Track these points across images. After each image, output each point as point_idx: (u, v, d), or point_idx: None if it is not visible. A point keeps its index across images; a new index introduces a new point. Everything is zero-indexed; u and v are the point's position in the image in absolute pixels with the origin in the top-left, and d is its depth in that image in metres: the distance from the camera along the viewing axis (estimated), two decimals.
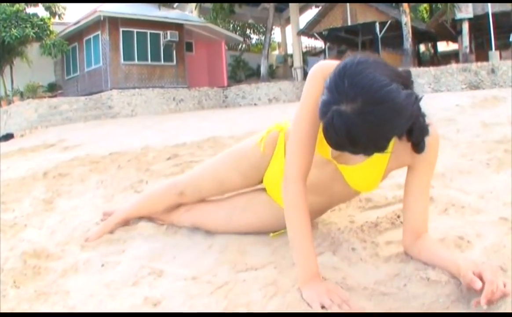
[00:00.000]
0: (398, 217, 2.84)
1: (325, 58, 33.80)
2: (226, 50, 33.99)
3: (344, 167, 2.39)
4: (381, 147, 1.83)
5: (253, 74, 37.21)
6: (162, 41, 27.39)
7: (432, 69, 23.05)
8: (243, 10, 33.78)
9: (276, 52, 46.43)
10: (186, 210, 3.07)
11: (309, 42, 41.66)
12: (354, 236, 2.63)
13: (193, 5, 32.94)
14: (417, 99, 1.85)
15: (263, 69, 30.96)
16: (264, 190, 2.85)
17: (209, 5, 31.01)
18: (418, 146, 2.08)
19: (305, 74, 31.75)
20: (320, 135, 2.06)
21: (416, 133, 2.00)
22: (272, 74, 37.09)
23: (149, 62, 26.91)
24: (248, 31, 46.65)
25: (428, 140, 2.07)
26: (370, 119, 1.72)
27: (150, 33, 26.95)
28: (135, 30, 26.31)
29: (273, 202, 2.75)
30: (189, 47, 30.33)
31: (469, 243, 2.33)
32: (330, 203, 2.72)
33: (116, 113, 23.20)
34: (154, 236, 3.03)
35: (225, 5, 30.27)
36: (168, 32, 27.16)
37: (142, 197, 3.46)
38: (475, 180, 3.46)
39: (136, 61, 26.32)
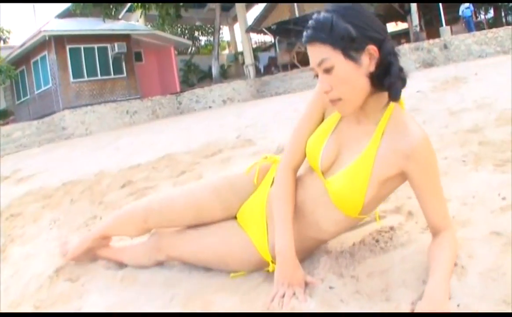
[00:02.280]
0: (377, 241, 2.62)
1: (275, 52, 34.02)
2: (176, 55, 33.92)
3: (329, 180, 2.28)
4: (336, 30, 2.02)
5: (205, 77, 37.32)
6: (110, 54, 27.24)
7: None
8: (189, 13, 33.53)
9: (226, 51, 46.49)
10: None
11: (258, 38, 41.86)
12: (329, 271, 2.41)
13: (139, 13, 32.64)
14: (391, 42, 2.12)
15: (214, 71, 30.87)
16: (236, 219, 2.70)
17: (155, 12, 30.75)
18: (391, 88, 2.12)
19: (257, 70, 31.84)
20: (310, 146, 2.36)
21: (392, 74, 2.09)
22: (224, 74, 37.16)
23: (99, 77, 26.72)
24: (196, 33, 46.69)
25: (415, 141, 2.12)
26: (327, 15, 2.06)
27: (98, 47, 26.76)
28: (82, 46, 26.08)
29: (244, 234, 2.58)
30: (138, 57, 30.25)
31: (463, 269, 2.13)
32: (317, 233, 2.47)
33: (70, 134, 22.79)
34: (111, 288, 2.83)
35: (171, 10, 30.01)
36: (116, 44, 26.98)
37: (124, 249, 3.22)
38: (453, 181, 3.21)
39: (86, 78, 26.10)
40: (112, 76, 27.33)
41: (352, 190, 2.21)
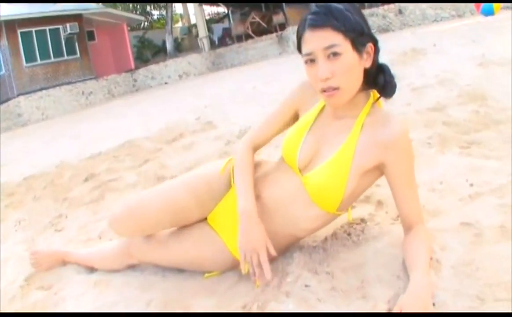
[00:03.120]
0: (349, 235, 2.62)
1: (229, 23, 33.82)
2: (128, 32, 33.52)
3: (307, 176, 2.29)
4: (349, 21, 2.08)
5: (160, 51, 36.97)
6: (62, 35, 26.86)
7: None
8: None
9: (180, 24, 46.10)
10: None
11: (211, 9, 41.50)
12: (304, 268, 2.38)
13: None
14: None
15: (168, 46, 30.64)
16: (206, 220, 2.64)
17: None
18: (387, 86, 2.22)
19: (211, 42, 31.63)
20: (287, 144, 2.41)
21: (387, 73, 2.22)
22: (179, 48, 36.86)
23: (52, 59, 26.34)
24: (148, 8, 46.04)
25: (395, 131, 2.18)
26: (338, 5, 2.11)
27: (49, 29, 26.36)
28: (33, 30, 25.66)
29: (215, 235, 2.55)
30: (91, 36, 29.86)
31: (438, 263, 2.16)
32: (294, 231, 2.46)
33: (26, 121, 22.47)
34: (85, 294, 2.76)
35: None
36: (68, 24, 26.59)
37: (94, 255, 3.15)
38: (419, 166, 3.19)
39: (39, 61, 25.73)
40: (66, 57, 26.94)
41: (332, 184, 2.23)
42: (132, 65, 31.62)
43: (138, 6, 44.27)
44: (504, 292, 1.88)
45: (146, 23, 43.60)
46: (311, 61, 2.14)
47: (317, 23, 2.08)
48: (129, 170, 5.68)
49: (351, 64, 2.10)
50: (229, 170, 2.60)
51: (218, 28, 36.43)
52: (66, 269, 3.13)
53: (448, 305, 1.90)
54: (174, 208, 2.53)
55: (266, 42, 26.92)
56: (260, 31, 29.94)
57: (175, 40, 37.55)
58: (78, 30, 27.00)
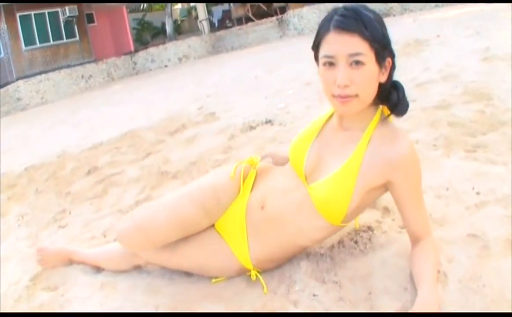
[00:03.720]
0: (356, 243, 2.61)
1: (229, 5, 33.61)
2: (128, 14, 33.35)
3: (313, 186, 2.27)
4: (377, 32, 2.06)
5: (159, 33, 36.85)
6: (61, 18, 26.69)
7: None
8: None
9: (179, 6, 45.78)
10: None
11: None
12: (311, 276, 2.41)
13: None
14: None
15: (168, 28, 30.57)
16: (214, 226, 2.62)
17: None
18: (400, 103, 2.20)
19: (211, 25, 31.48)
20: (294, 150, 2.43)
21: (400, 90, 2.22)
22: (178, 30, 36.76)
23: (52, 42, 26.20)
24: None
25: (402, 151, 2.16)
26: (367, 12, 2.09)
27: (48, 12, 26.18)
28: (32, 13, 25.47)
29: (223, 242, 2.54)
30: (90, 18, 29.68)
31: (445, 277, 2.17)
32: (299, 240, 2.44)
33: (26, 105, 22.31)
34: (92, 297, 2.77)
35: None
36: (67, 7, 26.42)
37: (100, 255, 3.13)
38: (425, 169, 3.23)
39: (38, 45, 25.59)
40: (65, 40, 26.83)
41: (336, 197, 2.21)
42: (132, 48, 31.51)
43: None
44: (510, 309, 1.90)
45: (145, 5, 43.27)
46: (330, 64, 2.09)
47: (346, 27, 2.03)
48: (132, 163, 5.66)
49: (372, 75, 2.08)
50: (238, 176, 2.59)
51: (218, 11, 36.24)
52: (72, 268, 3.13)
53: None
54: (182, 222, 2.51)
55: (267, 25, 26.78)
56: (260, 14, 29.83)
57: (175, 22, 37.42)
58: (77, 13, 26.86)
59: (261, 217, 2.41)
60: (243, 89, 9.15)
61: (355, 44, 2.02)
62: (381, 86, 2.17)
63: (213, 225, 2.61)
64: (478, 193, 2.87)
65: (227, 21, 33.25)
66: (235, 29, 28.37)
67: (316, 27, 2.18)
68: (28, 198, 5.33)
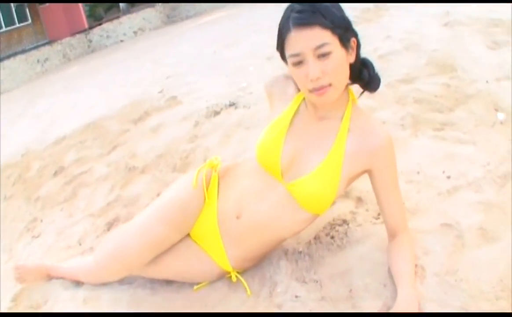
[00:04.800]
0: (333, 238, 2.62)
1: None
2: None
3: (294, 184, 2.25)
4: (336, 17, 2.04)
5: (113, 6, 36.34)
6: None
7: None
8: None
9: None
10: None
11: None
12: (292, 277, 2.43)
13: None
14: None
15: (121, 3, 30.06)
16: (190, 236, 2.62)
17: None
18: (373, 80, 2.25)
19: None
20: (265, 149, 2.31)
21: (370, 67, 2.24)
22: (132, 1, 36.24)
23: (4, 28, 25.75)
24: None
25: (381, 139, 2.21)
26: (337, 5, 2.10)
27: None
28: None
29: (200, 250, 2.55)
30: None
31: (423, 270, 2.21)
32: (280, 236, 2.48)
33: None
34: (74, 310, 2.78)
35: None
36: None
37: (79, 269, 3.09)
38: (395, 153, 3.33)
39: None
40: (17, 25, 26.48)
41: (324, 191, 2.22)
42: (86, 25, 31.12)
43: None
44: (486, 303, 1.95)
45: None
46: (298, 62, 2.07)
47: (305, 22, 2.01)
48: (99, 159, 5.55)
49: (341, 61, 2.07)
50: (201, 184, 2.55)
51: None
52: (52, 284, 3.11)
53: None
54: (153, 244, 2.50)
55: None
56: None
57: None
58: None
59: (238, 227, 2.40)
60: (202, 67, 9.00)
61: (317, 37, 2.01)
62: (351, 66, 2.18)
63: (188, 234, 2.60)
64: (448, 177, 2.90)
65: None
66: None
67: None
68: None
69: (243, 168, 2.59)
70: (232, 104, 5.64)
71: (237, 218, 2.39)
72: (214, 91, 6.70)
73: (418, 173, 3.05)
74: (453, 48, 5.24)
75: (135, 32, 26.60)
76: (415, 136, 3.53)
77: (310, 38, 2.01)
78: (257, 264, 2.60)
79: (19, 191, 5.47)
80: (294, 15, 2.04)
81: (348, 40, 2.10)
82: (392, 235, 2.30)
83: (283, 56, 2.20)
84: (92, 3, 37.01)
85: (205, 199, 2.54)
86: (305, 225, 2.43)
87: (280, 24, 2.13)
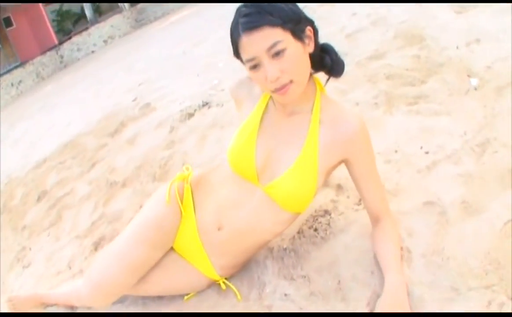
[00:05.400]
0: (316, 230, 2.58)
1: None
2: (45, 8, 32.74)
3: (271, 185, 2.18)
4: (284, 12, 1.94)
5: (80, 18, 36.31)
6: None
7: None
8: None
9: None
10: None
11: None
12: (279, 275, 2.41)
13: None
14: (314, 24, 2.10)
15: (88, 13, 30.06)
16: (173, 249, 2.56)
17: None
18: (336, 65, 2.18)
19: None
20: (237, 153, 2.25)
21: (331, 52, 2.17)
22: (99, 11, 36.17)
23: None
24: None
25: (354, 126, 2.13)
26: None
27: None
28: None
29: (185, 262, 2.50)
30: (8, 22, 29.15)
31: (409, 253, 2.18)
32: (264, 239, 2.41)
33: None
34: None
35: None
36: None
37: (71, 294, 3.02)
38: (370, 133, 3.25)
39: None
40: None
41: (302, 189, 2.16)
42: (55, 41, 31.00)
43: None
44: (476, 280, 1.93)
45: None
46: (255, 66, 1.99)
47: (252, 26, 1.93)
48: (79, 178, 5.52)
49: (298, 55, 1.99)
50: (174, 198, 2.49)
51: None
52: (47, 310, 3.11)
53: (426, 299, 1.93)
54: (135, 266, 2.46)
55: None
56: None
57: (94, 3, 36.93)
58: None
59: (221, 238, 2.35)
60: (173, 69, 8.96)
61: (268, 37, 1.93)
62: (311, 56, 2.11)
63: (172, 247, 2.56)
64: (427, 152, 2.87)
65: None
66: None
67: None
68: None
69: (216, 176, 2.52)
70: (205, 104, 5.62)
71: (219, 229, 2.34)
72: (186, 92, 6.69)
73: (396, 151, 3.02)
74: (420, 18, 5.19)
75: (105, 41, 26.57)
76: (389, 114, 3.49)
77: (261, 40, 1.94)
78: (244, 268, 2.58)
79: (5, 222, 5.44)
80: (241, 20, 1.97)
81: (302, 31, 2.02)
82: (375, 221, 2.26)
83: (242, 61, 2.13)
84: (58, 17, 36.80)
85: (181, 212, 2.48)
86: (288, 224, 2.37)
87: (230, 31, 2.06)
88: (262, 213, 2.26)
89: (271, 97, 2.31)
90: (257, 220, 2.27)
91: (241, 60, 2.10)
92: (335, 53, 2.19)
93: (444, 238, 2.18)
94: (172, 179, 2.57)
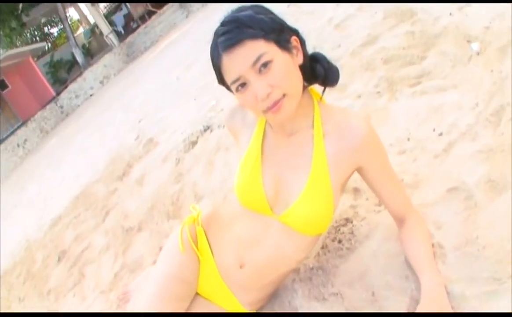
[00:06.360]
0: (340, 242, 2.47)
1: (127, 8, 33.26)
2: (36, 62, 33.00)
3: (287, 214, 2.06)
4: (264, 23, 1.83)
5: (73, 64, 36.53)
6: None
7: None
8: (31, 15, 32.13)
9: (81, 29, 45.37)
10: None
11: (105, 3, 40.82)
12: (310, 297, 2.30)
13: None
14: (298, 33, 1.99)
15: (79, 58, 30.33)
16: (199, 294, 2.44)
17: None
18: (329, 73, 2.05)
19: (118, 35, 31.27)
20: (245, 186, 2.13)
21: (322, 60, 2.04)
22: (90, 53, 36.47)
23: None
24: (46, 29, 45.11)
25: (361, 131, 1.99)
26: (245, 12, 1.85)
27: None
28: None
29: (211, 304, 2.38)
30: (3, 85, 29.42)
31: (441, 248, 2.05)
32: (290, 267, 2.28)
33: None
34: None
35: (13, 23, 28.77)
36: None
37: None
38: (378, 123, 3.10)
39: None
40: None
41: (320, 209, 2.03)
42: (53, 92, 31.25)
43: (35, 32, 43.35)
44: None
45: (49, 45, 42.70)
46: (241, 86, 1.86)
47: (232, 42, 1.80)
48: (95, 230, 5.48)
49: (286, 66, 1.85)
50: (188, 245, 2.36)
51: (119, 18, 35.94)
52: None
53: (467, 295, 1.82)
54: None
55: (169, 10, 26.72)
56: (159, 3, 29.50)
57: (83, 46, 37.14)
58: None
59: (244, 275, 2.23)
60: (170, 98, 8.96)
61: (251, 51, 1.80)
62: (302, 68, 1.97)
63: (197, 293, 2.43)
64: (440, 134, 2.74)
65: (132, 23, 32.93)
66: (142, 28, 28.15)
67: None
68: (14, 310, 5.22)
69: (227, 211, 2.41)
70: (206, 129, 5.58)
71: (241, 267, 2.23)
72: (186, 119, 6.66)
73: (408, 139, 2.89)
74: None
75: (101, 82, 26.74)
76: (394, 100, 3.37)
77: (244, 56, 1.81)
78: (273, 297, 2.47)
79: (30, 288, 5.42)
80: (220, 39, 1.84)
81: (287, 41, 1.89)
82: (400, 222, 2.15)
83: (228, 88, 2.00)
84: (51, 69, 37.05)
85: (198, 257, 2.36)
86: (311, 247, 2.25)
87: (211, 55, 1.93)
88: (283, 243, 2.14)
89: (267, 121, 2.19)
90: (279, 251, 2.16)
91: (227, 87, 1.98)
92: (327, 61, 2.06)
93: (475, 225, 2.05)
94: (181, 224, 2.45)
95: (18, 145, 24.58)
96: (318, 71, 2.03)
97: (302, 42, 1.99)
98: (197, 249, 2.35)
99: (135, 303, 2.64)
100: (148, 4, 30.35)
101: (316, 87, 2.14)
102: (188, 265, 2.34)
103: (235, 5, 1.92)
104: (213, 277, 2.32)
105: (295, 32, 1.97)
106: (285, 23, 1.93)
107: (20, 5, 29.32)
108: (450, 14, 3.89)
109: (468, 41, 3.41)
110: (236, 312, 2.32)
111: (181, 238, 2.36)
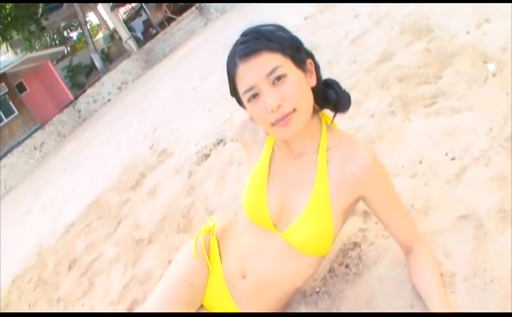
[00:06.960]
0: (347, 266, 2.45)
1: (146, 14, 33.35)
2: (54, 66, 33.12)
3: (288, 232, 2.09)
4: (283, 39, 1.90)
5: (92, 69, 36.68)
6: None
7: None
8: (51, 19, 32.30)
9: (100, 34, 45.53)
10: None
11: (125, 7, 40.88)
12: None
13: (4, 47, 31.49)
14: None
15: (97, 63, 30.24)
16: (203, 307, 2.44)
17: (18, 37, 29.65)
18: (341, 99, 2.07)
19: (137, 40, 31.30)
20: (250, 201, 2.17)
21: (335, 86, 2.07)
22: (108, 58, 36.60)
23: None
24: (65, 33, 45.27)
25: (364, 162, 1.98)
26: (266, 27, 1.93)
27: None
28: None
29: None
30: (21, 88, 29.61)
31: (451, 277, 2.02)
32: (293, 285, 2.28)
33: None
34: None
35: (33, 27, 28.92)
36: None
37: None
38: (391, 143, 3.08)
39: None
40: (6, 120, 26.69)
41: (319, 232, 2.04)
42: (71, 96, 31.38)
43: (55, 36, 43.53)
44: None
45: (68, 49, 42.87)
46: (253, 96, 1.88)
47: (251, 51, 1.84)
48: (106, 240, 5.51)
49: (299, 82, 1.88)
50: (201, 252, 2.38)
51: (138, 24, 35.99)
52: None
53: None
54: None
55: (188, 17, 26.69)
56: (179, 10, 29.56)
57: (102, 51, 37.28)
58: (7, 89, 26.75)
59: (246, 286, 2.24)
60: (185, 109, 8.99)
61: (267, 62, 1.84)
62: (314, 91, 2.00)
63: (202, 305, 2.43)
64: (453, 158, 2.69)
65: (151, 30, 33.00)
66: (161, 35, 28.14)
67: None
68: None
69: (238, 225, 2.43)
70: (220, 142, 5.59)
71: (243, 277, 2.24)
72: (200, 131, 6.67)
73: (420, 162, 2.85)
74: (424, 7, 5.01)
75: (119, 88, 26.76)
76: (408, 121, 3.32)
77: (260, 65, 1.84)
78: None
79: (41, 295, 5.46)
80: (238, 48, 1.89)
81: (303, 61, 1.93)
82: (407, 250, 2.13)
83: (239, 100, 2.02)
84: (70, 73, 37.23)
85: (208, 266, 2.37)
86: (315, 268, 2.25)
87: (227, 65, 1.96)
88: (284, 259, 2.16)
89: (275, 142, 2.20)
90: (279, 266, 2.17)
91: (238, 99, 2.02)
92: (340, 87, 2.08)
93: (485, 255, 2.02)
94: (198, 232, 2.49)
95: (35, 148, 24.63)
96: (330, 96, 2.05)
97: (317, 66, 2.02)
98: (209, 258, 2.37)
99: (143, 305, 2.64)
100: (167, 10, 30.36)
101: (328, 113, 2.15)
102: (197, 270, 2.37)
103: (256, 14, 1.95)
104: (219, 286, 2.33)
105: (311, 56, 2.01)
106: (302, 44, 1.97)
107: (40, 9, 29.39)
108: (467, 32, 3.85)
109: (484, 62, 3.37)
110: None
111: (195, 244, 2.39)
